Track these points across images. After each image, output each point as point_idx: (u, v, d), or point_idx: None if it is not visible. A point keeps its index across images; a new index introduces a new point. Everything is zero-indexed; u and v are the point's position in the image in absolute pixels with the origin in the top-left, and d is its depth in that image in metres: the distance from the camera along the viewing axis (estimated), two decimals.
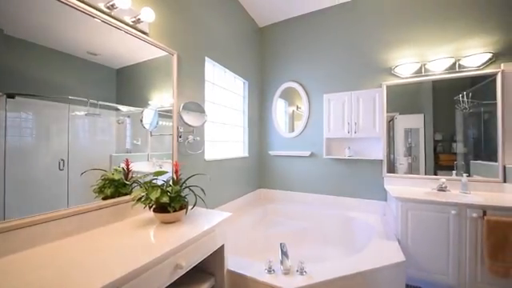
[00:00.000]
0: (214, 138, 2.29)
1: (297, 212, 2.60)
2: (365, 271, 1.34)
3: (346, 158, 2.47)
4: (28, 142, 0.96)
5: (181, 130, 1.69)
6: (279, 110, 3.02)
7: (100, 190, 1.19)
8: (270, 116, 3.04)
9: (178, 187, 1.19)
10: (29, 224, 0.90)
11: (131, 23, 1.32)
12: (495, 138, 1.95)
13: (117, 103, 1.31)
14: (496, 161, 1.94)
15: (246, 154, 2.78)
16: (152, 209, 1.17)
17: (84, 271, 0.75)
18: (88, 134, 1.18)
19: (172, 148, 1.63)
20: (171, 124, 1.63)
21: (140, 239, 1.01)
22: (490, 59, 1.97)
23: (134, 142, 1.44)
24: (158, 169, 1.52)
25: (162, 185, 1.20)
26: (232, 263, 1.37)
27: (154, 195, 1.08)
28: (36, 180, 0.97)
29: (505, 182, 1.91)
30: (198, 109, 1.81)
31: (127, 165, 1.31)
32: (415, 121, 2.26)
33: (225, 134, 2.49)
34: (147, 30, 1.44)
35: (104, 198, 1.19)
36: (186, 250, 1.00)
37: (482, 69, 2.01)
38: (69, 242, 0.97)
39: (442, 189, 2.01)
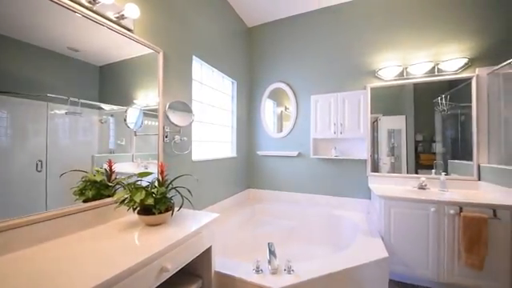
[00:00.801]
0: (201, 138, 2.26)
1: (285, 211, 2.62)
2: (350, 268, 1.37)
3: (333, 157, 2.52)
4: (2, 142, 0.90)
5: (167, 130, 1.65)
6: (268, 110, 3.04)
7: (81, 192, 1.14)
8: (258, 116, 3.05)
9: (163, 188, 1.16)
10: (1, 229, 0.84)
11: (114, 19, 1.28)
12: (470, 139, 2.06)
13: (99, 102, 1.26)
14: (471, 160, 2.06)
15: (235, 154, 2.77)
16: (136, 211, 1.14)
17: (62, 278, 0.72)
18: (68, 134, 1.13)
19: (157, 148, 1.59)
20: (157, 124, 1.59)
21: (123, 242, 0.98)
22: (466, 64, 2.08)
23: (118, 142, 1.40)
24: (143, 170, 1.48)
25: (147, 186, 1.17)
26: (220, 264, 1.36)
27: (139, 197, 1.05)
28: (11, 182, 0.91)
29: (479, 179, 2.03)
30: (185, 108, 1.78)
31: (110, 166, 1.27)
32: (398, 122, 2.35)
33: (213, 134, 2.47)
34: (132, 27, 1.40)
35: (85, 201, 1.15)
36: (172, 252, 0.98)
37: (459, 73, 2.12)
38: (46, 248, 0.92)
39: (422, 187, 2.10)
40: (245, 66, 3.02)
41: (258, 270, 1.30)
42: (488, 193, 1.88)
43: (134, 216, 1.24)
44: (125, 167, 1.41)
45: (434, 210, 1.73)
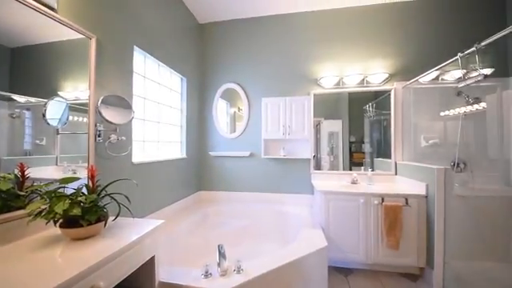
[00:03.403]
0: (145, 137, 2.07)
1: (236, 212, 2.63)
2: (294, 260, 1.46)
3: (281, 157, 2.66)
4: None
5: (100, 128, 1.44)
6: (221, 110, 2.99)
7: None
8: (210, 116, 2.98)
9: (94, 196, 1.01)
10: None
11: None
12: (390, 140, 2.48)
13: (10, 92, 1.03)
14: (390, 158, 2.47)
15: (184, 155, 2.63)
16: (58, 224, 0.96)
17: None
18: None
19: (88, 149, 1.38)
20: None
21: (39, 263, 0.81)
22: (387, 78, 2.49)
23: (37, 141, 1.16)
24: (70, 174, 1.27)
25: (72, 194, 1.00)
26: (166, 274, 1.27)
27: (61, 207, 0.89)
28: None
29: (396, 174, 2.45)
30: (122, 103, 1.58)
31: (22, 170, 1.04)
32: (336, 125, 2.65)
33: (159, 133, 2.29)
34: (55, 6, 1.18)
35: None
36: (105, 267, 0.86)
37: (382, 85, 2.53)
38: None
39: (354, 182, 2.41)
40: (196, 63, 2.91)
41: (206, 275, 1.26)
42: (402, 185, 2.29)
43: (56, 230, 1.05)
44: (46, 172, 1.18)
45: (363, 201, 2.01)
